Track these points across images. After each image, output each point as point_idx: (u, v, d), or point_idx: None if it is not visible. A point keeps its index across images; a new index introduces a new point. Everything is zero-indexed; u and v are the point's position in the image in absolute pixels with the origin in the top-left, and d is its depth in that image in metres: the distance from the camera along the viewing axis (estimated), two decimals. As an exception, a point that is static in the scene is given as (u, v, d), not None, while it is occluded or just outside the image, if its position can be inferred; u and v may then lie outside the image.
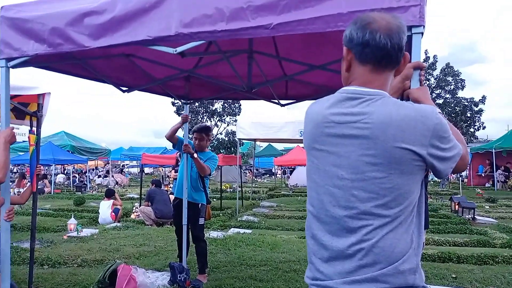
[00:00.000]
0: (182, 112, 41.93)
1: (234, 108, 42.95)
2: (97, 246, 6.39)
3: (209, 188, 4.74)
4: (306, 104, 4.34)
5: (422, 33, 1.83)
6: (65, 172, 26.14)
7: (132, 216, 9.72)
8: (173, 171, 11.10)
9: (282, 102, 4.10)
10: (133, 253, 5.87)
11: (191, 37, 2.11)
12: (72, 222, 7.64)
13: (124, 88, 3.78)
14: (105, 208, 9.20)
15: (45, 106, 4.36)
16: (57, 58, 2.56)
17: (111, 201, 9.41)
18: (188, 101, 4.61)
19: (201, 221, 4.52)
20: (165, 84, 3.94)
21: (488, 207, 12.15)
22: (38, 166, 4.12)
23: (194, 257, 4.87)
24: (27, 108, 4.28)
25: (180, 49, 2.19)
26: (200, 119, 43.05)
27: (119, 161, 35.88)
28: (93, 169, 30.43)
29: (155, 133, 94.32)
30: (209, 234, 6.92)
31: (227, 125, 42.67)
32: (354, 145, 1.22)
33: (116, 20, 2.21)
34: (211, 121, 43.89)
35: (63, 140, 18.93)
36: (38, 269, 5.03)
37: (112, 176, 25.59)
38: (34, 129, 4.23)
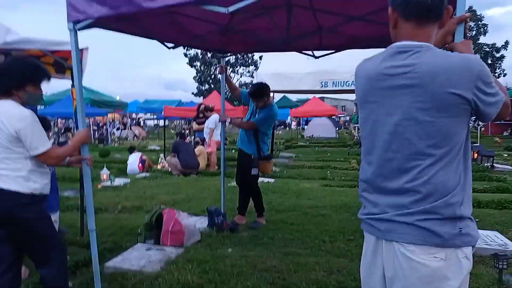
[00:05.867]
0: (195, 63, 41.69)
1: (247, 59, 42.37)
2: (132, 194, 6.80)
3: (266, 143, 4.85)
4: (336, 55, 4.38)
5: None
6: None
7: (158, 166, 10.12)
8: (194, 122, 11.31)
9: (317, 53, 4.16)
10: (168, 201, 6.25)
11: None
12: (105, 172, 8.06)
13: (169, 45, 3.91)
14: (133, 160, 9.59)
15: (84, 61, 4.51)
16: (116, 19, 2.68)
17: (140, 153, 9.81)
18: (225, 54, 4.71)
19: (253, 171, 4.77)
20: (203, 39, 4.04)
21: (506, 155, 12.24)
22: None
23: (231, 203, 5.23)
24: (66, 62, 4.45)
25: (232, 8, 2.28)
26: (213, 70, 42.72)
27: (133, 114, 36.34)
28: (110, 122, 30.96)
29: (165, 85, 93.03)
30: (233, 184, 7.25)
31: (240, 76, 42.38)
32: (406, 93, 1.36)
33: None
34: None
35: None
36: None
37: (130, 128, 26.11)
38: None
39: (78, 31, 2.79)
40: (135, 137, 23.04)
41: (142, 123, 34.54)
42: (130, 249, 3.90)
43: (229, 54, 4.80)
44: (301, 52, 4.24)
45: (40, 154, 2.39)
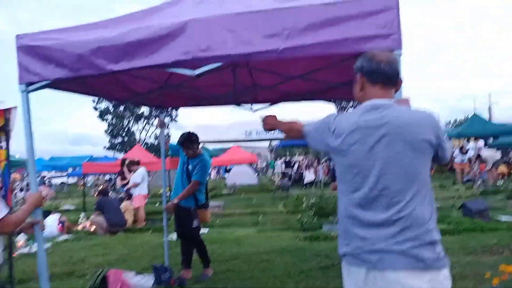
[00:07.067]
0: (106, 116, 40.20)
1: (161, 111, 42.07)
2: (58, 259, 6.23)
3: (202, 191, 4.91)
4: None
5: (401, 55, 2.37)
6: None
7: (79, 227, 9.44)
8: (119, 178, 10.87)
9: (253, 107, 4.51)
10: (100, 263, 5.85)
11: (207, 60, 2.44)
12: (21, 238, 7.29)
13: (113, 102, 3.95)
14: (52, 221, 8.83)
15: (13, 120, 4.29)
16: (70, 80, 2.71)
17: (58, 214, 9.10)
18: (163, 110, 4.82)
19: (195, 223, 4.76)
20: (144, 96, 4.14)
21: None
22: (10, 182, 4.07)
23: (172, 259, 5.11)
24: (-8, 122, 4.18)
25: (198, 71, 2.49)
26: (126, 123, 41.56)
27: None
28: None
29: (71, 140, 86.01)
30: (171, 238, 7.07)
31: (156, 128, 41.74)
32: (385, 140, 1.67)
33: (135, 45, 2.46)
34: (137, 125, 42.58)
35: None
36: (7, 288, 4.86)
37: (36, 188, 23.75)
38: (3, 144, 4.15)
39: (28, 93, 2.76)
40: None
41: (47, 182, 31.72)
42: (75, 319, 3.62)
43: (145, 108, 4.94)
44: (239, 106, 4.56)
45: None
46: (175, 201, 4.69)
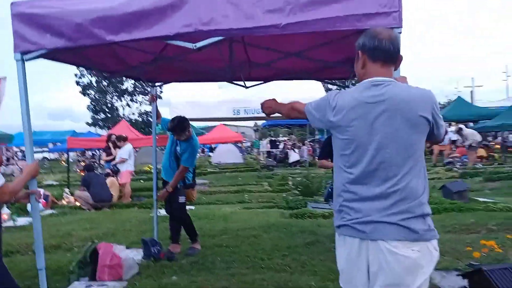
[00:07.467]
0: (88, 91, 39.35)
1: (146, 88, 41.40)
2: (44, 233, 6.06)
3: (190, 171, 4.96)
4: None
5: (401, 32, 2.40)
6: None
7: (64, 202, 9.38)
8: (104, 154, 10.75)
9: (247, 84, 4.50)
10: (88, 236, 5.85)
11: (209, 34, 2.42)
12: (4, 212, 7.21)
13: (105, 74, 3.88)
14: (36, 196, 8.74)
15: (1, 91, 4.20)
16: (67, 50, 2.64)
17: (41, 189, 8.98)
18: (155, 84, 4.76)
19: (181, 199, 4.81)
20: (137, 69, 4.08)
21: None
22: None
23: (161, 233, 5.16)
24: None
25: (199, 44, 2.47)
26: (110, 99, 40.81)
27: (14, 147, 32.40)
28: (-11, 157, 27.13)
29: (50, 115, 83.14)
30: (159, 213, 7.10)
31: (140, 105, 41.20)
32: (385, 116, 1.72)
33: (136, 16, 2.41)
34: (121, 101, 41.83)
35: (-43, 126, 16.76)
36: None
37: (16, 163, 23.36)
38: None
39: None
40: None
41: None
42: (68, 289, 3.65)
43: (130, 81, 4.90)
44: (232, 83, 4.54)
45: None
46: (170, 189, 4.72)
